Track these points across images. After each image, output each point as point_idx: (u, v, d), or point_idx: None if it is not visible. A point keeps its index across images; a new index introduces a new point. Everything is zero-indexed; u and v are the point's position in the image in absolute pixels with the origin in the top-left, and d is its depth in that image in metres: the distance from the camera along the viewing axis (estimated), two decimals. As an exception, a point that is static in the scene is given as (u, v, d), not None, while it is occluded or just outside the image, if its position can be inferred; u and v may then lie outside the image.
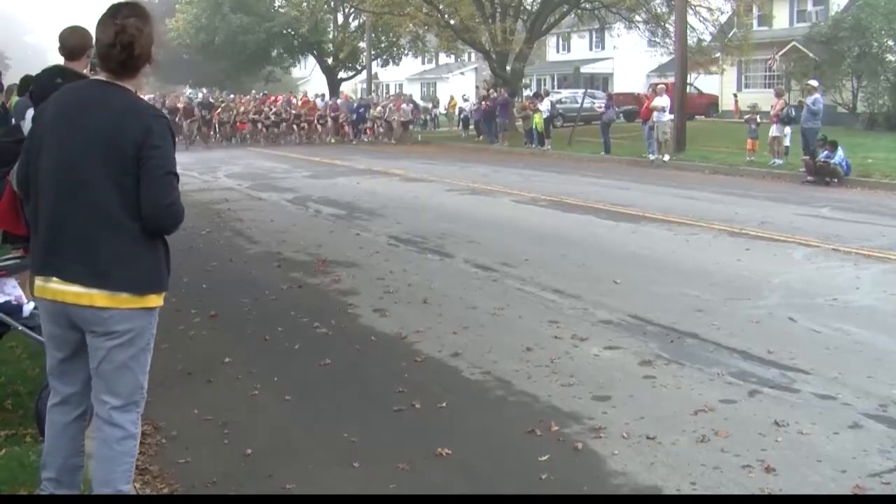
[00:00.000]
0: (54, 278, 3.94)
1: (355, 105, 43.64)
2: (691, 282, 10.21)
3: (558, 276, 10.62)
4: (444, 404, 6.42)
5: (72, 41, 6.10)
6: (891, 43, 36.93)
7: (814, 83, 24.67)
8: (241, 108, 42.62)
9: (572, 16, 44.17)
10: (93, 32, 4.18)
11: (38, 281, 4.01)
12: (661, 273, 10.73)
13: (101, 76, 4.04)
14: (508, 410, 6.37)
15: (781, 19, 45.70)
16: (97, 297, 3.89)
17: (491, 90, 37.93)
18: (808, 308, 9.00)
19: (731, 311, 8.94)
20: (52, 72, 6.16)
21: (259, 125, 41.70)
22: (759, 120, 25.69)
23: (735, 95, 46.80)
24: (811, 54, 39.55)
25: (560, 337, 8.06)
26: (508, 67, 40.04)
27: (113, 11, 4.00)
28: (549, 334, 8.17)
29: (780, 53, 42.35)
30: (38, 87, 6.08)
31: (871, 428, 5.89)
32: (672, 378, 6.94)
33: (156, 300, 4.05)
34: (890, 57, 37.03)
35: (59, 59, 6.31)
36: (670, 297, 9.58)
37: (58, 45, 6.21)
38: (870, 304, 9.21)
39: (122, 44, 3.92)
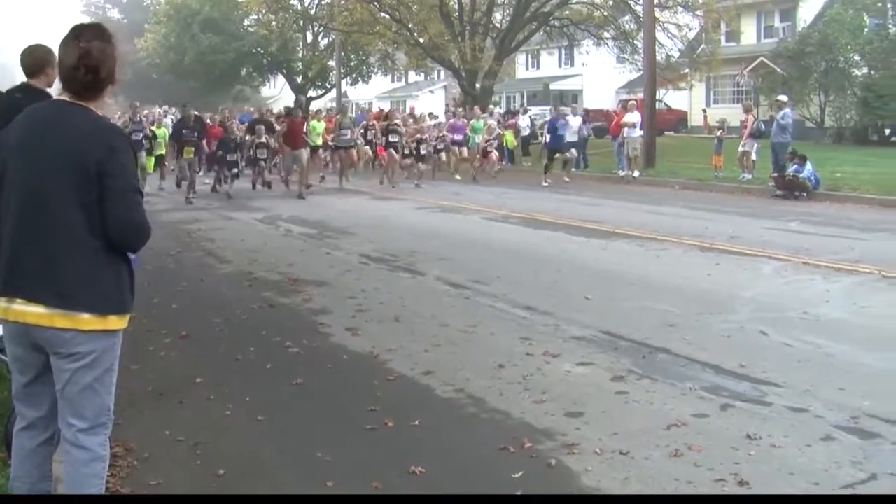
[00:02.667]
0: (18, 299, 3.93)
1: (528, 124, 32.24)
2: (663, 297, 10.26)
3: (530, 292, 10.64)
4: (416, 422, 6.40)
5: (30, 59, 6.18)
6: (857, 58, 37.44)
7: (783, 98, 24.98)
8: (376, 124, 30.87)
9: (541, 33, 44.42)
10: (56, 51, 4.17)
11: (2, 302, 3.98)
12: (632, 288, 10.78)
13: (65, 96, 4.03)
14: (481, 428, 6.37)
15: (749, 35, 46.16)
16: (58, 319, 3.87)
17: (459, 108, 37.94)
18: (778, 322, 9.05)
19: (702, 326, 8.99)
20: (15, 89, 6.21)
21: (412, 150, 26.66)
22: (719, 135, 25.92)
23: (704, 111, 47.23)
24: (779, 69, 39.95)
25: (532, 354, 8.07)
26: (478, 85, 40.16)
27: (76, 34, 4.01)
28: (522, 351, 8.17)
29: (749, 69, 42.78)
30: (1, 106, 6.07)
31: (844, 440, 5.93)
32: (644, 393, 6.96)
33: (117, 322, 4.02)
34: (856, 72, 37.55)
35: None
36: (642, 312, 9.62)
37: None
38: (840, 316, 9.28)
39: (87, 67, 3.94)
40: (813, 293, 10.39)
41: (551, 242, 14.67)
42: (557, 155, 26.70)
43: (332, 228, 16.80)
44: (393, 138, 26.56)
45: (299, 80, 57.79)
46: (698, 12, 37.49)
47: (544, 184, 25.64)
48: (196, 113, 26.28)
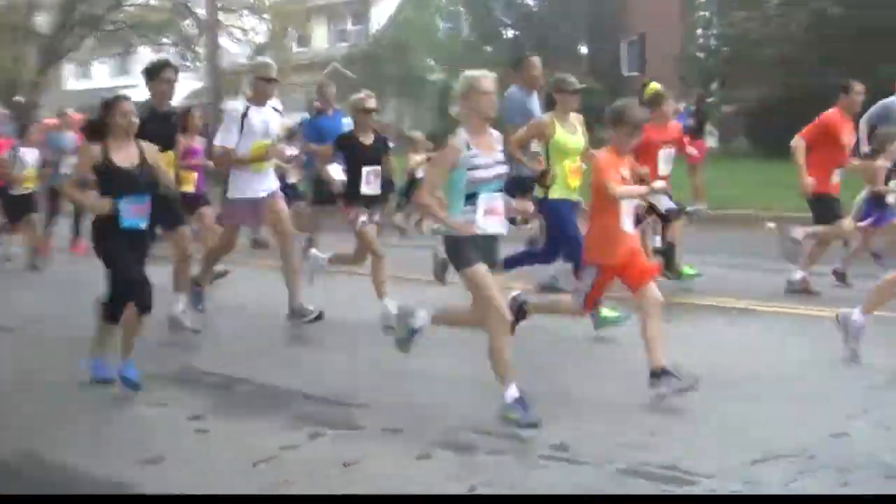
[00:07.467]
0: None
1: None
2: (253, 325, 10.21)
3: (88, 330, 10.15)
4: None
5: None
6: (431, 62, 39.53)
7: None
8: None
9: (93, 39, 43.19)
10: None
11: None
12: (217, 317, 10.61)
13: None
14: (38, 488, 6.00)
15: (321, 39, 47.46)
16: None
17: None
18: (367, 340, 9.29)
19: (293, 354, 9.08)
20: None
21: None
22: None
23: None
24: (352, 75, 41.34)
25: (94, 399, 7.73)
26: (20, 98, 38.33)
27: None
28: (86, 396, 7.80)
29: (323, 74, 43.95)
30: None
31: (441, 456, 6.17)
32: (227, 430, 6.88)
33: None
34: (433, 77, 39.59)
35: None
36: (228, 342, 9.54)
37: None
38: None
39: None
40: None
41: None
42: None
43: None
44: None
45: None
46: (265, 16, 38.01)
47: None
48: None
